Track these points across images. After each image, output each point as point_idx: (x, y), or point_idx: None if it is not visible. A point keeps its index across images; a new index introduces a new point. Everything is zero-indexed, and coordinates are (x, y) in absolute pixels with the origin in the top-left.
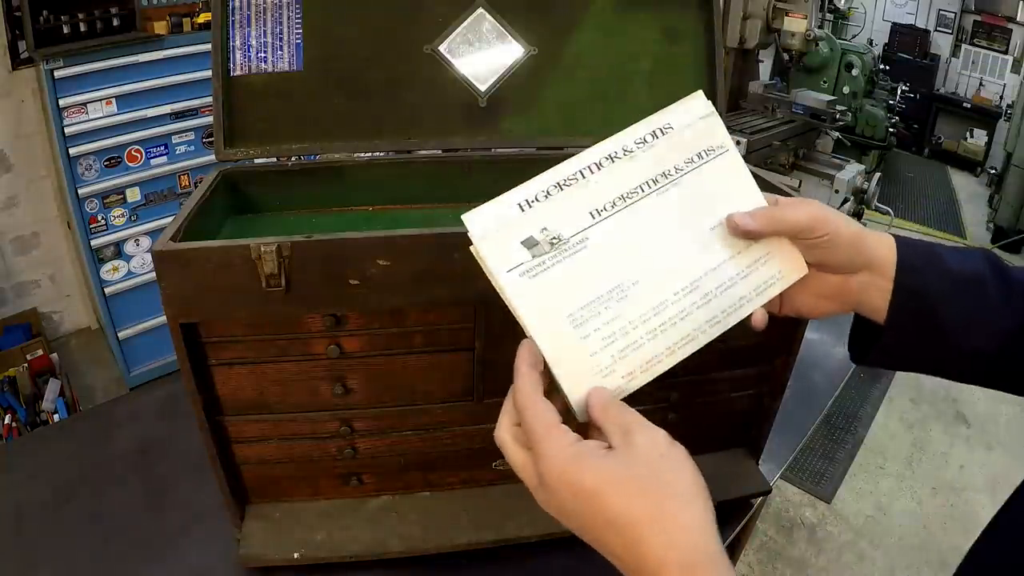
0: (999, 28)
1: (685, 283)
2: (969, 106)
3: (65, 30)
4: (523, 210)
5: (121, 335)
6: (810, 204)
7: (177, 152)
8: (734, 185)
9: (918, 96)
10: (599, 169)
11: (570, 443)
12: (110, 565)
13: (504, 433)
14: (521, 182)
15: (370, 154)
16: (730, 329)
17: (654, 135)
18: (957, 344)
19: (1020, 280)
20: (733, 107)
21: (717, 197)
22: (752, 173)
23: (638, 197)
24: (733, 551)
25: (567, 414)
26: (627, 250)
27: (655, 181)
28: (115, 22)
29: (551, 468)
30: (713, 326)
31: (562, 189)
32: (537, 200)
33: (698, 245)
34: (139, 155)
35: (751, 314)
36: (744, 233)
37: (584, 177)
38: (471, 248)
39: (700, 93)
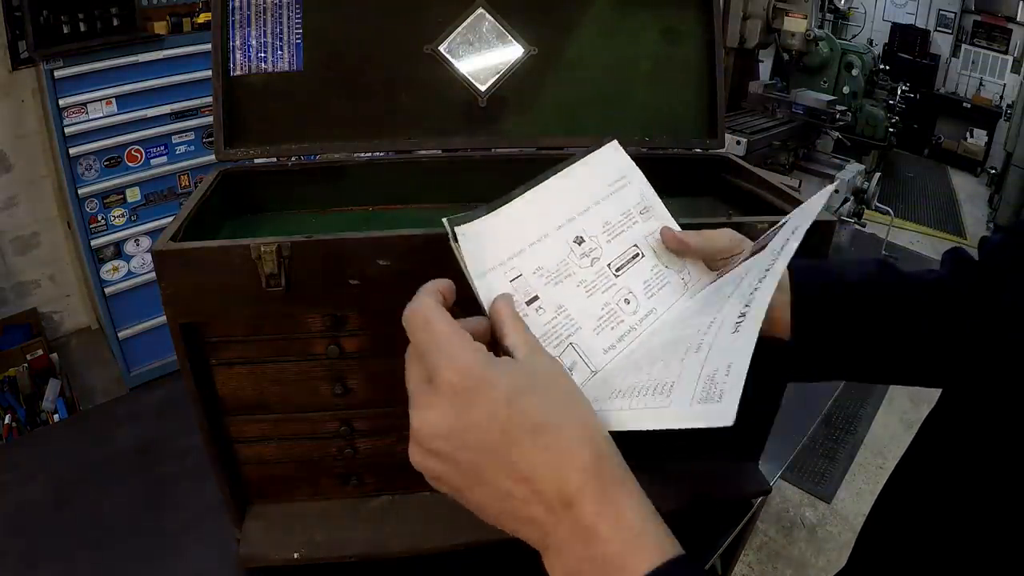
0: (999, 28)
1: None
2: (969, 106)
3: (65, 30)
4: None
5: (121, 335)
6: (727, 230)
7: (177, 152)
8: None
9: (918, 96)
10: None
11: (480, 347)
12: (110, 565)
13: (407, 353)
14: (521, 182)
15: (370, 154)
16: None
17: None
18: (859, 349)
19: (916, 280)
20: (733, 107)
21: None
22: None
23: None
24: (733, 551)
25: None
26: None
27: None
28: (115, 22)
29: (462, 372)
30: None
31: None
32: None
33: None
34: (139, 155)
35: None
36: (678, 243)
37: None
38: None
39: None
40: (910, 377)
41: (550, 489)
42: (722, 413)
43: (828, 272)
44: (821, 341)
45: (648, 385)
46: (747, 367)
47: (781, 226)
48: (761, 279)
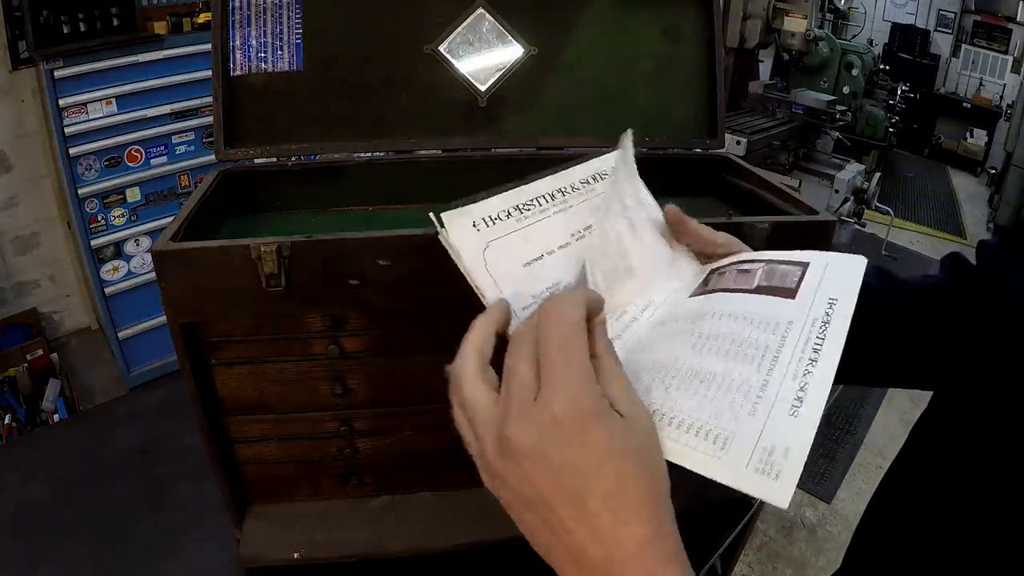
0: (999, 28)
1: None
2: (969, 106)
3: (65, 30)
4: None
5: (121, 335)
6: (726, 233)
7: (177, 152)
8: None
9: (918, 96)
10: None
11: (602, 398)
12: (110, 565)
13: (525, 339)
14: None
15: (370, 154)
16: None
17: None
18: (859, 355)
19: (914, 286)
20: (733, 107)
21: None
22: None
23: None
24: (733, 551)
25: None
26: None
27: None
28: (115, 22)
29: (578, 409)
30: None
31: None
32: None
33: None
34: (139, 155)
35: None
36: (678, 219)
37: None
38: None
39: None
40: (909, 380)
41: (604, 546)
42: (778, 493)
43: None
44: None
45: (702, 427)
46: (806, 457)
47: (801, 265)
48: (812, 356)
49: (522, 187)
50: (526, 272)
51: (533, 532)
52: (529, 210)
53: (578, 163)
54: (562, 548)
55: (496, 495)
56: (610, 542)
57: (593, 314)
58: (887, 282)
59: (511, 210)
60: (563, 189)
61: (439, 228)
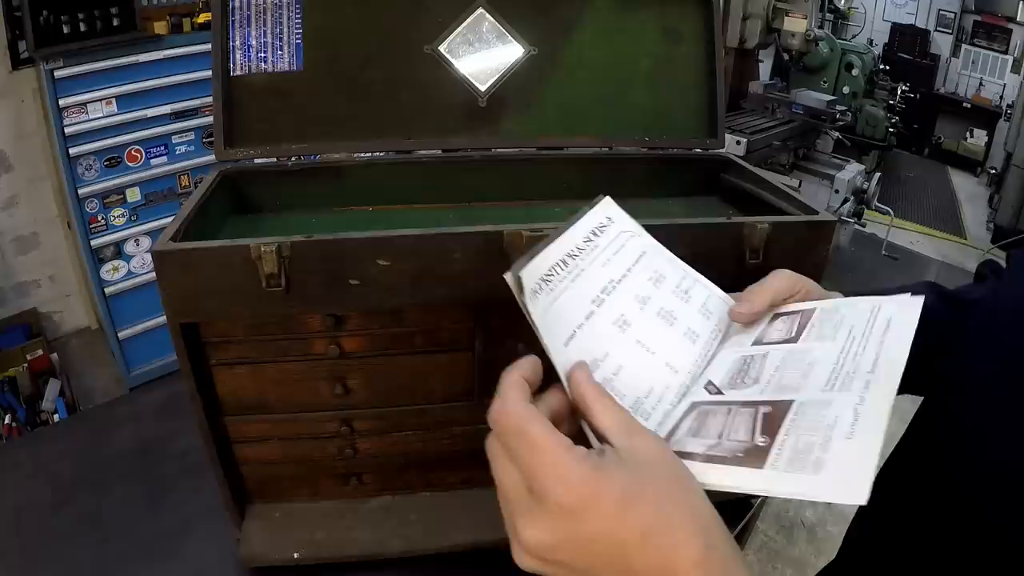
0: (999, 28)
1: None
2: (969, 106)
3: (65, 30)
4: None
5: (121, 335)
6: (781, 271)
7: (177, 152)
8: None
9: (918, 96)
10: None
11: (586, 455)
12: (110, 565)
13: (491, 446)
14: (522, 182)
15: (370, 154)
16: None
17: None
18: (922, 373)
19: (965, 298)
20: (733, 107)
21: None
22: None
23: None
24: None
25: None
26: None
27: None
28: (115, 22)
29: (572, 490)
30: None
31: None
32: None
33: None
34: (139, 155)
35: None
36: (753, 317)
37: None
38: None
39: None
40: None
41: None
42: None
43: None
44: None
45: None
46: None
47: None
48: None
49: (542, 252)
50: (568, 352)
51: None
52: (550, 281)
53: (572, 223)
54: None
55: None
56: (690, 566)
57: (533, 378)
58: (945, 302)
59: (540, 283)
60: (571, 253)
61: (520, 297)
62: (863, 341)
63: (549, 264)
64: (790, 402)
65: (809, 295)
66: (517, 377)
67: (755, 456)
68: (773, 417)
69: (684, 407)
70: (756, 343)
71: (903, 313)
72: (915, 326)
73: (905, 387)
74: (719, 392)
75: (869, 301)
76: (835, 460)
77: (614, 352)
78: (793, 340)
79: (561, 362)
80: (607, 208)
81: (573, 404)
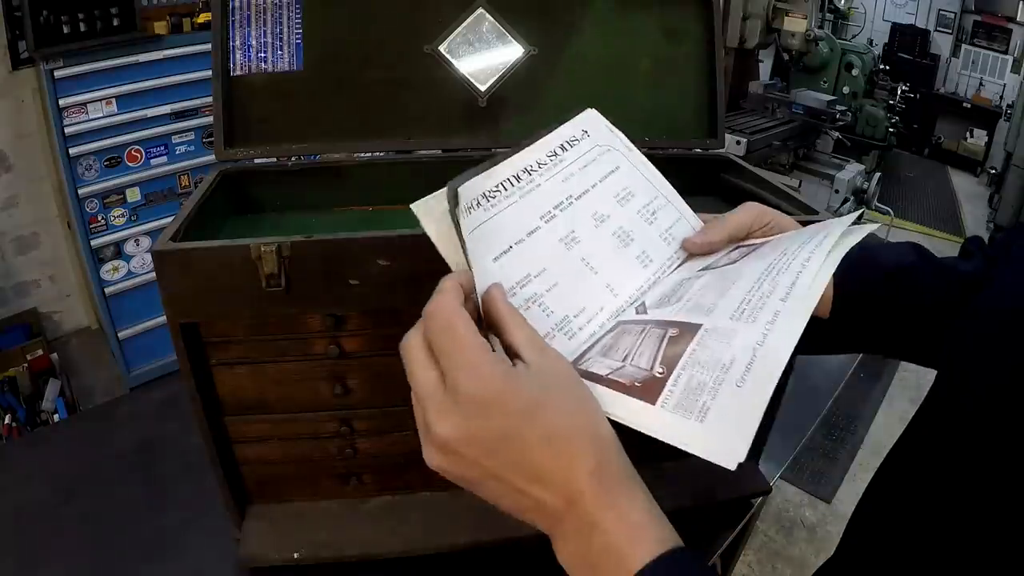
0: (999, 28)
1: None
2: (969, 106)
3: (65, 30)
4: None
5: (121, 335)
6: (750, 203)
7: (177, 152)
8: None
9: (918, 96)
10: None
11: (501, 360)
12: (110, 565)
13: (415, 346)
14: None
15: (370, 154)
16: None
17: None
18: (895, 326)
19: (949, 265)
20: (733, 107)
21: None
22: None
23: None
24: (733, 551)
25: None
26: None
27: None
28: (115, 22)
29: (483, 385)
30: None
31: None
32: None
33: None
34: (139, 155)
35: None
36: (708, 247)
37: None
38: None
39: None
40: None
41: (559, 490)
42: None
43: (869, 259)
44: (858, 322)
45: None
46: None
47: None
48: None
49: (489, 170)
50: (497, 267)
51: (497, 500)
52: (495, 197)
53: (541, 136)
54: (526, 507)
55: (453, 481)
56: (561, 485)
57: (468, 290)
58: (928, 264)
59: (479, 199)
60: (528, 168)
61: (452, 208)
62: (789, 259)
63: (496, 181)
64: (698, 326)
65: (779, 229)
66: (455, 283)
67: (650, 389)
68: (677, 341)
69: (611, 327)
70: (704, 269)
71: (843, 238)
72: (846, 251)
73: (904, 354)
74: (644, 312)
75: (822, 225)
76: (718, 412)
77: (552, 268)
78: (734, 263)
79: (481, 279)
80: (586, 121)
81: (485, 320)
